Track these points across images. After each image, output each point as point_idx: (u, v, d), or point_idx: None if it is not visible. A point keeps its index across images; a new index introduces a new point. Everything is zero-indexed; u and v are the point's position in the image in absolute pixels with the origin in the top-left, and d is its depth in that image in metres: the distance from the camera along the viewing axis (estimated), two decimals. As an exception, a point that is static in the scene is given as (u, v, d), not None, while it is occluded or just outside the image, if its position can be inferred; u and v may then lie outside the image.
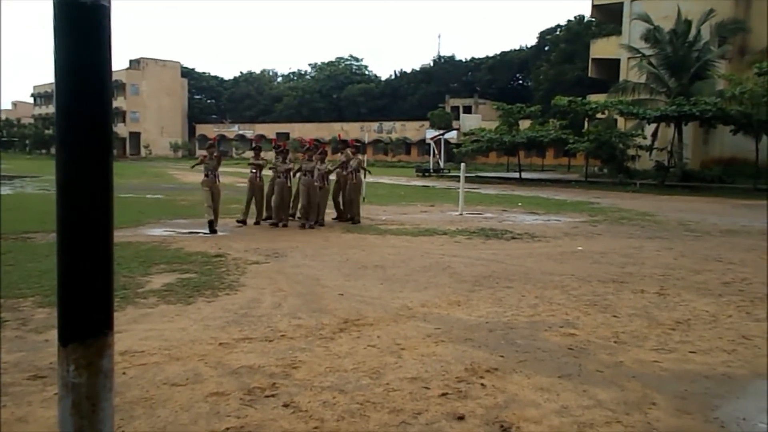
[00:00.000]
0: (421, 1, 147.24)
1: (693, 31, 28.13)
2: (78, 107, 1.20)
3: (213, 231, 10.59)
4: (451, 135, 43.43)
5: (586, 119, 31.44)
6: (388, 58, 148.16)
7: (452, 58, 76.02)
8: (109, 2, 1.19)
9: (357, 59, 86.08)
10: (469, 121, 45.40)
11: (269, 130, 69.21)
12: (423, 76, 74.17)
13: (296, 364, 4.10)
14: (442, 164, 39.21)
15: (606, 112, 30.06)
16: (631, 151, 28.40)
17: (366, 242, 9.93)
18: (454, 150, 38.59)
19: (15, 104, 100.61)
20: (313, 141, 13.11)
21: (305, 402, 3.47)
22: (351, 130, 67.35)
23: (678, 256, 9.03)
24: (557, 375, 4.00)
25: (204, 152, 12.26)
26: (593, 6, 39.23)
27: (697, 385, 3.89)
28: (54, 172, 1.25)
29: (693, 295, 6.49)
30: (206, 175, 11.15)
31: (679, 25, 28.25)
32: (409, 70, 77.38)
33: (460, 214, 14.59)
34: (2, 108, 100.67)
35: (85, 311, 1.23)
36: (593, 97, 33.83)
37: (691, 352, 4.57)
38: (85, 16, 1.16)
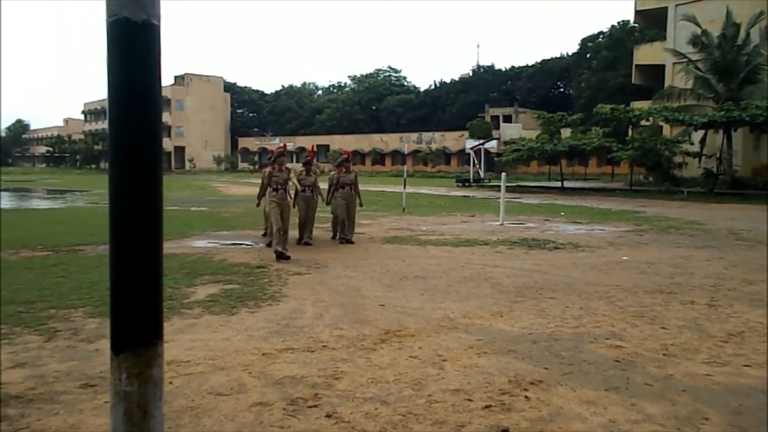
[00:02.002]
0: (459, 10, 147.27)
1: (742, 35, 27.36)
2: (129, 123, 1.24)
3: (286, 257, 8.92)
4: (491, 144, 43.16)
5: (630, 127, 30.82)
6: (428, 69, 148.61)
7: (491, 67, 75.71)
8: (159, 21, 1.23)
9: (396, 70, 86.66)
10: (509, 130, 44.97)
11: (309, 142, 70.07)
12: (462, 86, 74.03)
13: (338, 374, 4.11)
14: (482, 174, 38.99)
15: (651, 119, 29.44)
16: (678, 159, 27.71)
17: (406, 253, 9.91)
18: (495, 159, 38.31)
19: (66, 121, 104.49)
20: (311, 152, 12.67)
21: (348, 413, 3.47)
22: (390, 141, 67.90)
23: (729, 266, 8.74)
24: (604, 388, 3.90)
25: (267, 168, 10.42)
26: (636, 11, 38.55)
27: (752, 400, 3.74)
28: (106, 187, 1.29)
29: (746, 306, 6.26)
30: (275, 189, 9.64)
31: (727, 29, 27.52)
32: (448, 80, 77.41)
33: (501, 224, 14.45)
34: (54, 125, 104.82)
35: (136, 321, 1.26)
36: (637, 104, 33.18)
37: (745, 365, 4.40)
38: (136, 34, 1.21)
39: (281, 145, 12.71)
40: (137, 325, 1.26)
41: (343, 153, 12.94)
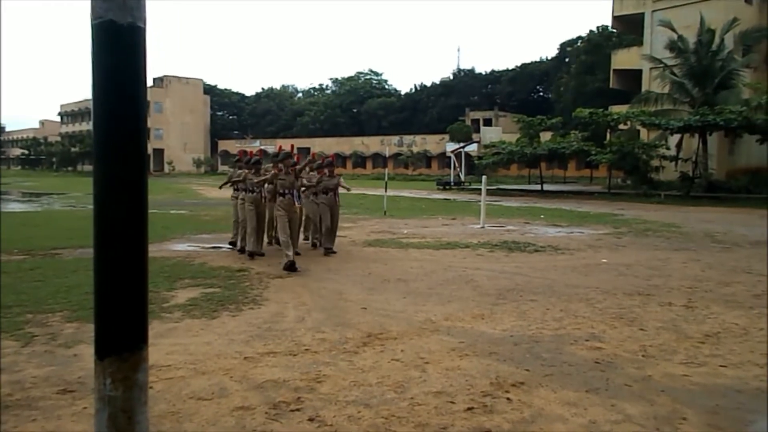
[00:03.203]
0: (440, 14, 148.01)
1: (716, 40, 27.85)
2: (115, 125, 1.23)
3: (294, 269, 8.26)
4: (472, 148, 43.37)
5: (608, 130, 31.18)
6: (409, 72, 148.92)
7: (472, 70, 76.09)
8: (145, 24, 1.23)
9: (377, 73, 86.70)
10: (490, 134, 45.29)
11: (290, 145, 69.79)
12: (443, 89, 74.30)
13: (321, 378, 4.10)
14: (462, 177, 39.19)
15: (628, 123, 29.80)
16: (655, 162, 28.06)
17: (388, 256, 9.92)
18: (475, 163, 38.51)
19: (42, 123, 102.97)
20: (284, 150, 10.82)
21: (330, 416, 3.47)
22: (371, 144, 67.84)
23: (706, 268, 8.88)
24: (584, 389, 3.94)
25: (268, 169, 9.88)
26: (614, 17, 39.04)
27: (728, 399, 3.81)
28: (82, 190, 1.28)
29: (722, 307, 6.37)
30: (281, 194, 8.81)
31: (702, 34, 27.99)
32: (429, 84, 77.66)
33: (482, 227, 14.53)
34: (30, 126, 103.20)
35: (121, 325, 1.25)
36: (615, 109, 33.57)
37: (721, 366, 4.47)
38: (121, 37, 1.20)
39: (277, 148, 11.45)
40: (122, 329, 1.25)
41: (327, 157, 11.52)
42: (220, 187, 11.80)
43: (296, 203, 8.98)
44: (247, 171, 9.91)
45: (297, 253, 9.17)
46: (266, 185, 9.51)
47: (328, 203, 10.24)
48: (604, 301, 6.60)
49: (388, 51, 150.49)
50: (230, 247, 10.61)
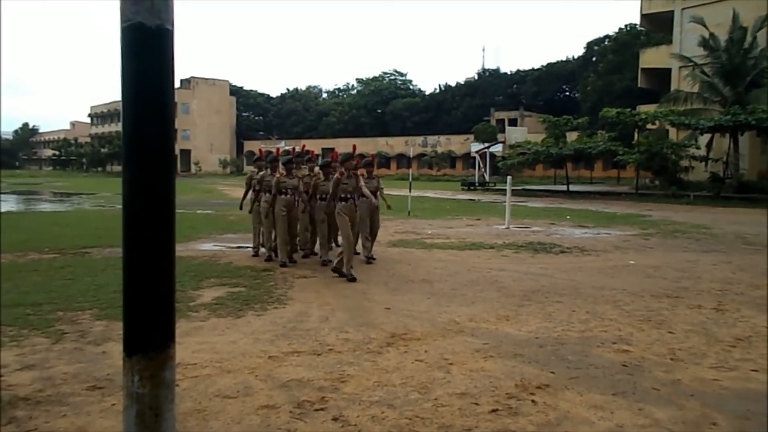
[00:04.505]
0: (465, 14, 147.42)
1: (748, 38, 27.28)
2: (143, 127, 1.25)
3: (353, 278, 7.72)
4: (497, 148, 43.15)
5: (636, 130, 30.74)
6: (433, 72, 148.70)
7: (497, 70, 75.62)
8: (173, 26, 1.24)
9: (401, 74, 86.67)
10: (515, 134, 45.00)
11: (315, 145, 70.18)
12: (467, 89, 73.97)
13: (345, 378, 4.11)
14: (487, 177, 38.99)
15: (657, 122, 29.34)
16: (684, 163, 27.57)
17: (412, 256, 9.90)
18: (499, 163, 38.26)
19: (73, 124, 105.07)
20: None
21: (354, 416, 3.47)
22: (396, 145, 67.83)
23: (736, 271, 8.70)
24: (611, 392, 3.89)
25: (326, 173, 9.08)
26: (642, 15, 38.46)
27: (760, 404, 3.72)
28: (111, 190, 1.30)
29: (753, 311, 6.23)
30: (344, 199, 8.08)
31: (734, 32, 27.44)
32: (453, 84, 77.35)
33: (507, 228, 14.42)
34: (61, 128, 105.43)
35: (149, 324, 1.27)
36: (643, 108, 33.11)
37: (753, 370, 4.38)
38: (150, 39, 1.22)
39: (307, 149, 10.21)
40: (150, 328, 1.27)
41: (367, 157, 10.20)
42: (243, 208, 10.40)
43: (356, 209, 8.40)
44: (279, 171, 9.08)
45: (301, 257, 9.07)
46: (302, 187, 8.96)
47: (368, 208, 9.05)
48: (632, 304, 6.51)
49: (413, 51, 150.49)
50: (255, 254, 9.69)
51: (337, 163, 9.02)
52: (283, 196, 8.90)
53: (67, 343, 4.84)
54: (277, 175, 9.05)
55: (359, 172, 8.93)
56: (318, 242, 9.47)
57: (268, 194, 9.09)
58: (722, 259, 9.82)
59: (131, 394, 1.26)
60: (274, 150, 10.38)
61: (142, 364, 1.25)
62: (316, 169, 9.78)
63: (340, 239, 8.72)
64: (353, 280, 7.67)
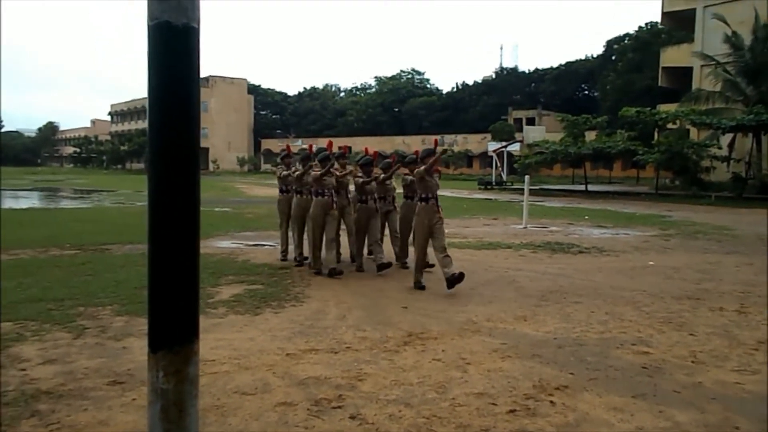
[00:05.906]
0: (483, 12, 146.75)
1: (771, 36, 26.87)
2: (169, 125, 1.26)
3: (422, 287, 7.26)
4: (514, 147, 42.91)
5: (656, 130, 30.39)
6: (450, 71, 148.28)
7: (515, 69, 75.24)
8: (199, 24, 1.25)
9: (419, 72, 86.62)
10: (533, 133, 44.75)
11: (333, 144, 70.41)
12: (485, 88, 73.69)
13: (362, 376, 4.11)
14: (504, 177, 38.79)
15: (677, 122, 28.98)
16: (705, 163, 27.18)
17: (429, 255, 9.86)
18: (517, 163, 38.06)
19: (94, 122, 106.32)
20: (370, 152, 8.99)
21: (371, 414, 3.48)
22: (413, 143, 67.70)
23: (759, 272, 8.56)
24: (631, 394, 3.85)
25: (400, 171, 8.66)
26: (663, 13, 38.04)
27: (784, 409, 3.67)
28: (136, 187, 1.31)
29: (777, 313, 6.13)
30: (424, 200, 7.26)
31: (757, 30, 27.02)
32: (471, 83, 77.12)
33: (525, 228, 14.34)
34: (82, 126, 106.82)
35: (174, 320, 1.28)
36: (663, 107, 32.74)
37: (776, 374, 4.31)
38: (177, 38, 1.22)
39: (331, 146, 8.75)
40: (174, 324, 1.28)
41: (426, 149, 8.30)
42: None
43: (396, 210, 8.23)
44: (319, 169, 8.15)
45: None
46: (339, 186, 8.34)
47: (427, 213, 7.59)
48: (652, 305, 6.44)
49: (430, 50, 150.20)
50: (283, 258, 9.13)
51: (389, 160, 8.97)
52: (320, 198, 8.05)
53: (88, 338, 4.90)
54: (312, 174, 8.16)
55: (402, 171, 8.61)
56: (354, 245, 8.68)
57: (320, 197, 8.07)
58: (744, 261, 9.68)
59: (156, 389, 1.27)
60: (285, 147, 9.85)
61: (167, 359, 1.26)
62: (348, 167, 8.98)
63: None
64: (422, 287, 7.22)
